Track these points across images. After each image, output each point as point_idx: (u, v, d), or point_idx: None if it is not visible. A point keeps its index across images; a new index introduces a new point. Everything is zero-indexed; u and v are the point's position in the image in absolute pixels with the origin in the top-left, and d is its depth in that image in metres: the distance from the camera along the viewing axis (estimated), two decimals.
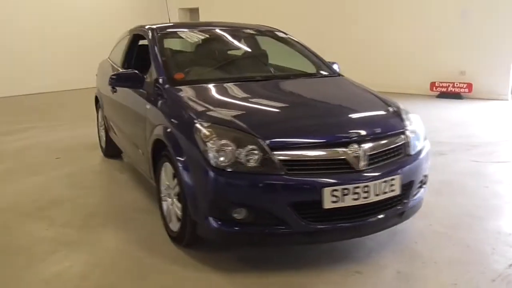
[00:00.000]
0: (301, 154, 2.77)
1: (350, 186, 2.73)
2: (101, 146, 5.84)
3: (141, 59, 4.74)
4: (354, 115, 3.25)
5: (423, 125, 3.39)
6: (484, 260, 3.04)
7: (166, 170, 3.30)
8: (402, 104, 3.53)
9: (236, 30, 4.63)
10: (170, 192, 3.29)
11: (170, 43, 4.24)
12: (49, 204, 4.12)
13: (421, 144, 3.24)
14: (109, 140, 5.40)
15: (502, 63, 9.52)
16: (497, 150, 5.75)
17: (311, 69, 4.22)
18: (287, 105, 3.47)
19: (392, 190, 2.89)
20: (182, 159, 2.98)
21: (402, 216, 3.09)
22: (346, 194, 2.73)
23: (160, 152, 3.39)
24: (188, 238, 3.11)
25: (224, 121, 2.96)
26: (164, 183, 3.38)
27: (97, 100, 5.75)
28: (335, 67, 4.32)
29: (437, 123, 7.33)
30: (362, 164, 2.81)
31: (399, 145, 3.07)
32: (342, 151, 2.80)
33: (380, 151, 2.94)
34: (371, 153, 2.88)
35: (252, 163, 2.73)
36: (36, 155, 5.86)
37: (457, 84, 9.89)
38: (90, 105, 9.44)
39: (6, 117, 8.91)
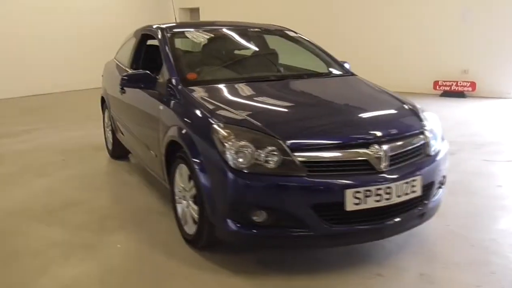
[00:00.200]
0: (322, 155, 2.73)
1: (373, 188, 2.69)
2: (107, 147, 5.79)
3: (150, 60, 4.70)
4: (373, 116, 3.21)
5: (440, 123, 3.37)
6: (505, 261, 3.00)
7: (181, 172, 3.25)
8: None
9: (245, 30, 4.59)
10: (186, 194, 3.24)
11: (180, 43, 4.18)
12: (61, 207, 4.06)
13: (439, 143, 3.20)
14: (116, 141, 5.35)
15: (505, 61, 9.50)
16: (505, 149, 5.73)
17: (323, 68, 4.18)
18: (304, 105, 3.42)
19: (414, 191, 2.85)
20: (199, 160, 2.93)
21: (422, 217, 3.05)
22: (369, 196, 2.69)
23: (174, 154, 3.34)
24: (205, 241, 3.07)
25: (242, 122, 2.91)
26: (179, 185, 3.33)
27: (103, 101, 5.68)
28: (346, 66, 4.28)
29: (442, 122, 7.16)
30: (384, 165, 2.77)
31: (419, 145, 3.03)
32: (364, 152, 2.76)
33: (401, 152, 2.90)
34: (392, 153, 2.84)
35: (272, 165, 2.69)
36: (41, 157, 5.80)
37: (460, 83, 9.88)
38: (92, 106, 9.42)
39: (7, 118, 8.83)
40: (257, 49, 4.47)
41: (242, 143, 2.72)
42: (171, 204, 3.54)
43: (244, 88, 3.56)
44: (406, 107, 3.37)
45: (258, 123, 2.87)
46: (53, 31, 12.03)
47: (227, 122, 2.91)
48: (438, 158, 3.10)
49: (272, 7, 12.40)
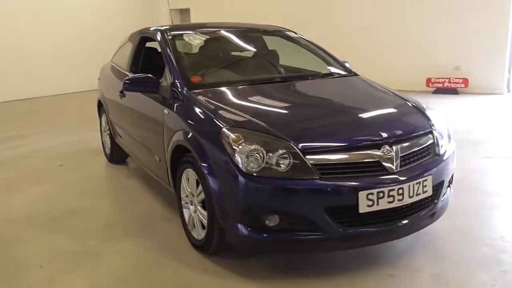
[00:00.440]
0: (334, 157, 2.71)
1: (385, 189, 2.68)
2: (104, 152, 5.72)
3: (149, 62, 4.66)
4: (383, 116, 3.19)
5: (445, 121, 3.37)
6: None
7: (188, 177, 3.21)
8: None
9: (246, 31, 4.56)
10: (193, 199, 3.20)
11: (181, 45, 4.13)
12: (63, 215, 4.00)
13: (446, 142, 3.20)
14: (114, 145, 5.29)
15: (497, 57, 9.59)
16: (503, 145, 5.77)
17: (326, 69, 4.15)
18: (312, 107, 3.40)
19: (425, 191, 2.85)
20: (208, 165, 2.89)
21: (433, 217, 3.04)
22: (381, 197, 2.67)
23: (179, 159, 3.30)
24: (215, 246, 3.02)
25: (251, 125, 2.88)
26: (186, 190, 3.29)
27: (100, 104, 5.61)
28: (347, 66, 4.27)
29: None
30: (395, 165, 2.76)
31: (428, 145, 3.03)
32: (375, 153, 2.75)
33: (411, 152, 2.90)
34: (403, 154, 2.83)
35: (283, 168, 2.66)
36: (37, 163, 5.71)
37: (453, 80, 9.94)
38: (85, 109, 9.37)
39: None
40: (259, 50, 4.43)
41: (253, 146, 2.69)
42: (176, 209, 3.50)
43: (249, 91, 3.52)
44: (412, 106, 3.36)
45: (268, 126, 2.84)
46: (43, 35, 11.91)
47: (237, 126, 2.87)
48: (446, 157, 3.10)
49: (263, 7, 12.36)
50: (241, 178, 2.68)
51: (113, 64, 5.28)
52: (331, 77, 4.01)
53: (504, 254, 3.07)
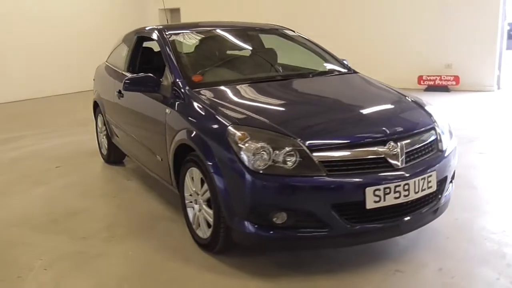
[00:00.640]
0: (340, 154, 2.72)
1: (392, 185, 2.70)
2: (101, 153, 5.69)
3: (146, 62, 4.64)
4: (386, 113, 3.23)
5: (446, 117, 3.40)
6: None
7: (193, 176, 3.21)
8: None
9: (244, 30, 4.56)
10: (197, 198, 3.20)
11: (179, 44, 4.12)
12: (64, 216, 3.96)
13: (448, 138, 3.23)
14: (111, 146, 5.26)
15: (487, 55, 9.70)
16: (497, 141, 5.85)
17: (325, 66, 4.17)
18: (315, 104, 3.42)
19: (430, 187, 2.87)
20: (214, 163, 2.89)
21: (436, 212, 3.07)
22: (388, 193, 2.69)
23: (182, 158, 3.29)
24: (221, 244, 3.03)
25: (257, 123, 2.89)
26: (190, 189, 3.29)
27: (96, 105, 5.57)
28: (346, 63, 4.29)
29: None
30: (401, 162, 2.79)
31: (431, 141, 3.06)
32: (381, 149, 2.77)
33: (416, 148, 2.93)
34: (408, 150, 2.86)
35: (289, 165, 2.67)
36: (34, 165, 5.66)
37: (444, 77, 10.03)
38: (78, 111, 9.32)
39: None
40: (258, 49, 4.43)
41: (260, 144, 2.70)
42: (178, 209, 3.49)
43: (251, 89, 3.53)
44: (414, 103, 3.39)
45: (274, 124, 2.85)
46: (35, 36, 11.79)
47: (242, 123, 2.88)
48: (449, 152, 3.13)
49: (254, 6, 12.37)
50: (248, 176, 2.68)
51: (109, 65, 5.25)
52: (331, 74, 4.03)
53: (507, 247, 3.11)
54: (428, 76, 10.20)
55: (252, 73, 4.00)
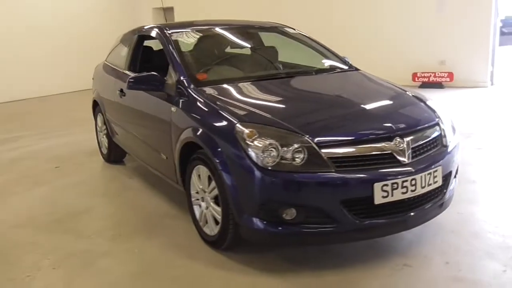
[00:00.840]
0: (348, 151, 2.75)
1: (399, 180, 2.73)
2: (101, 152, 5.67)
3: (147, 61, 4.65)
4: (391, 109, 3.26)
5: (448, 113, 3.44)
6: None
7: (199, 173, 3.22)
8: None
9: (245, 28, 4.58)
10: (204, 195, 3.21)
11: (182, 43, 4.12)
12: (67, 216, 3.96)
13: (452, 134, 3.27)
14: (112, 145, 5.26)
15: (480, 51, 9.76)
16: (493, 137, 5.90)
17: (327, 64, 4.21)
18: (321, 101, 3.46)
19: (436, 182, 2.91)
20: (222, 161, 2.90)
21: (441, 207, 3.11)
22: (395, 189, 2.72)
23: (188, 156, 3.31)
24: (230, 241, 3.04)
25: (265, 120, 2.90)
26: (196, 187, 3.30)
27: (95, 104, 5.56)
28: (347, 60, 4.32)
29: None
30: (407, 157, 2.82)
31: (436, 137, 3.10)
32: (388, 145, 2.80)
33: (421, 144, 2.96)
34: (414, 145, 2.89)
35: (298, 162, 2.69)
36: (34, 165, 5.63)
37: (438, 74, 10.08)
38: (74, 110, 9.29)
39: None
40: (258, 46, 4.45)
41: (268, 141, 2.72)
42: (182, 206, 3.49)
43: (256, 87, 3.54)
44: (417, 99, 3.43)
45: (281, 121, 2.87)
46: (30, 36, 11.74)
47: (250, 121, 2.90)
48: (453, 147, 3.17)
49: (248, 5, 12.36)
50: (257, 173, 2.70)
51: (109, 64, 5.24)
52: (334, 72, 4.05)
53: (511, 240, 3.16)
54: (423, 73, 10.26)
55: (255, 71, 4.03)
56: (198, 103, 3.30)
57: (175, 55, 3.77)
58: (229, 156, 2.87)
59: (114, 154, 5.36)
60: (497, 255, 2.97)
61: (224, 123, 2.98)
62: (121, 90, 4.46)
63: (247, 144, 2.77)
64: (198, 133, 3.15)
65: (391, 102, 3.40)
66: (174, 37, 4.03)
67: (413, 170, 2.79)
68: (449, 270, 2.84)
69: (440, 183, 2.95)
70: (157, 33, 4.17)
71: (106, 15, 13.46)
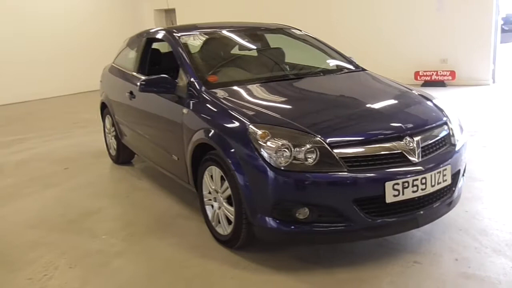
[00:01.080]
0: (360, 150, 2.81)
1: (410, 179, 2.79)
2: (109, 154, 5.73)
3: (156, 63, 4.70)
4: (400, 109, 3.31)
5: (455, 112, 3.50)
6: None
7: (212, 174, 3.28)
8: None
9: (250, 29, 4.63)
10: (217, 196, 3.27)
11: (191, 45, 4.18)
12: (80, 216, 4.03)
13: (459, 133, 3.33)
14: (120, 147, 5.31)
15: (482, 49, 9.80)
16: (498, 135, 5.95)
17: (334, 64, 4.26)
18: (331, 102, 3.51)
19: (445, 180, 2.97)
20: (235, 161, 2.95)
21: (450, 205, 3.16)
22: (406, 187, 2.78)
23: (200, 157, 3.36)
24: (243, 240, 3.10)
25: (277, 121, 2.96)
26: (209, 187, 3.36)
27: (103, 106, 5.61)
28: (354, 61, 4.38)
29: None
30: (417, 156, 2.88)
31: (445, 136, 3.16)
32: (398, 144, 2.86)
33: (430, 143, 3.02)
34: (423, 144, 2.95)
35: (310, 162, 2.75)
36: (42, 167, 5.69)
37: (440, 72, 10.14)
38: (80, 112, 9.34)
39: None
40: (268, 48, 4.51)
41: (281, 142, 2.78)
42: (194, 207, 3.54)
43: (267, 88, 3.60)
44: (425, 99, 3.49)
45: (293, 121, 2.92)
46: (32, 38, 11.79)
47: (262, 122, 2.95)
48: (461, 146, 3.23)
49: (250, 6, 12.41)
50: (270, 173, 2.76)
51: (117, 66, 5.29)
52: (341, 72, 4.11)
53: None
54: (425, 71, 10.32)
55: (263, 72, 4.08)
56: (210, 105, 3.36)
57: (186, 57, 3.82)
58: (242, 156, 2.93)
59: (123, 156, 5.42)
60: (505, 252, 3.03)
61: (237, 124, 3.04)
62: (131, 92, 4.51)
63: (260, 145, 2.82)
64: (211, 134, 3.20)
65: (399, 102, 3.46)
66: (183, 40, 4.09)
67: (423, 169, 2.84)
68: (459, 267, 2.89)
69: (449, 181, 3.01)
70: (166, 36, 4.23)
71: (108, 17, 13.51)
